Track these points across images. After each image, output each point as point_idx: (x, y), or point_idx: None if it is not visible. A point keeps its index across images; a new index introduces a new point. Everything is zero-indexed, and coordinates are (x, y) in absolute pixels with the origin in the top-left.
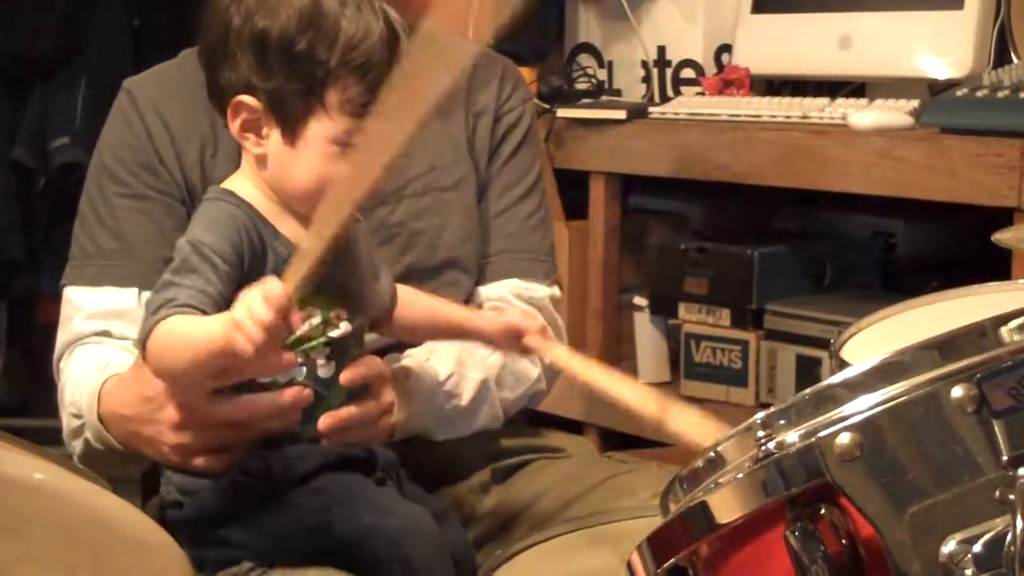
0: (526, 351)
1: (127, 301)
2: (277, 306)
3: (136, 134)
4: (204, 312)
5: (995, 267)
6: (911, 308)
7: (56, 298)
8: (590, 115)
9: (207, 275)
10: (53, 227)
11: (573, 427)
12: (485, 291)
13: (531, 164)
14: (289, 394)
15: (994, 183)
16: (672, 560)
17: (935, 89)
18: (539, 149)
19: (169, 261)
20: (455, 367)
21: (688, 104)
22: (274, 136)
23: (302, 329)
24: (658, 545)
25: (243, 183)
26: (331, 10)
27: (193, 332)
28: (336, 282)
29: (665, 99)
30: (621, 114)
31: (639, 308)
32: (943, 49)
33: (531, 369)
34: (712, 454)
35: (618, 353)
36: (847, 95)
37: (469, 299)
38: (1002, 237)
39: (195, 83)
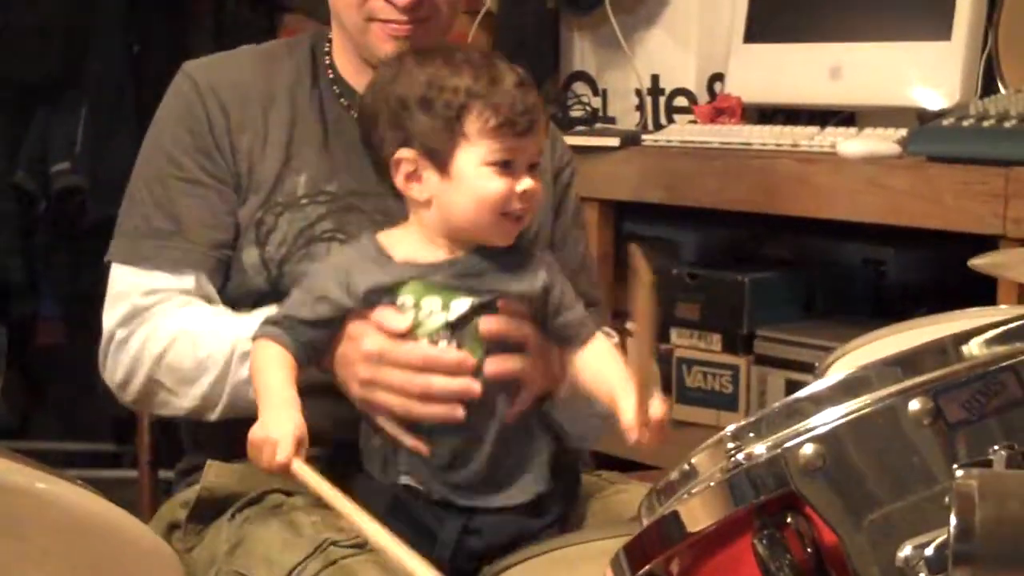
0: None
1: (184, 285)
2: (282, 461)
3: (197, 118)
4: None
5: (981, 293)
6: (896, 332)
7: (54, 321)
8: (584, 142)
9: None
10: (53, 251)
11: None
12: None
13: (584, 219)
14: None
15: (980, 211)
16: (647, 568)
17: (924, 118)
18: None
19: (222, 245)
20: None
21: (681, 132)
22: (431, 177)
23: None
24: (633, 553)
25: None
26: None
27: (259, 382)
28: (458, 281)
29: (658, 127)
30: (615, 141)
31: (631, 333)
32: (932, 79)
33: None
34: (686, 466)
35: None
36: (837, 124)
37: None
38: (978, 263)
39: (251, 77)
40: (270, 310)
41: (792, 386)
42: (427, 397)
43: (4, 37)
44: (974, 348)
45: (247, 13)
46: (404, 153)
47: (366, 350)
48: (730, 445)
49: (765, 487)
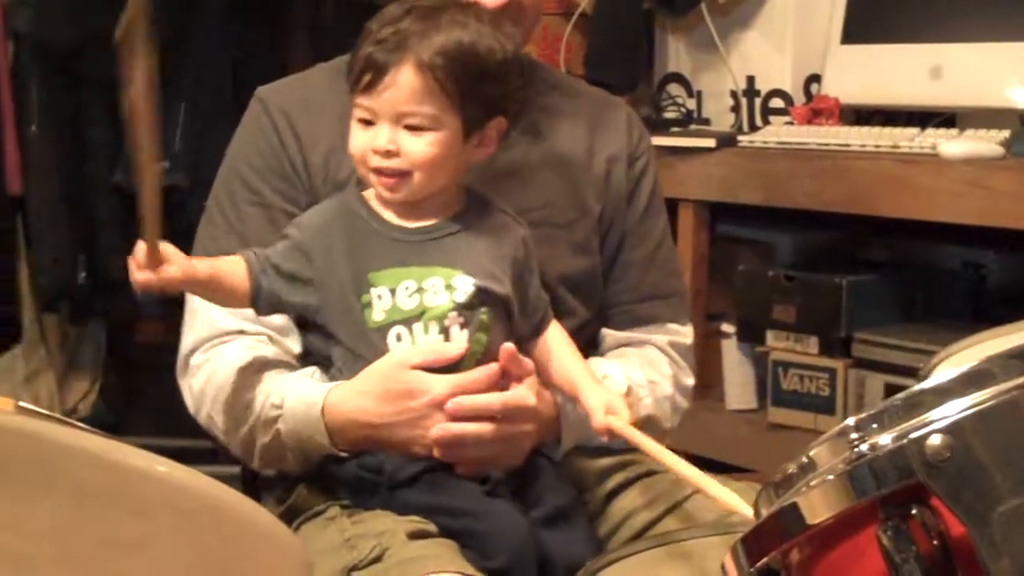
0: (609, 432)
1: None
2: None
3: (268, 140)
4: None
5: None
6: (1001, 335)
7: (153, 320)
8: (679, 143)
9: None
10: None
11: None
12: (630, 334)
13: (663, 208)
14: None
15: None
16: (764, 560)
17: None
18: (662, 191)
19: None
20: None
21: (777, 133)
22: None
23: (432, 301)
24: (751, 546)
25: None
26: None
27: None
28: (452, 255)
29: (753, 128)
30: (710, 142)
31: (727, 335)
32: None
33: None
34: (804, 459)
35: (705, 380)
36: (937, 125)
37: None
38: None
39: (324, 93)
40: (312, 371)
41: (891, 389)
42: (511, 442)
43: (105, 37)
44: None
45: (343, 20)
46: None
47: (436, 399)
48: (853, 436)
49: (888, 479)
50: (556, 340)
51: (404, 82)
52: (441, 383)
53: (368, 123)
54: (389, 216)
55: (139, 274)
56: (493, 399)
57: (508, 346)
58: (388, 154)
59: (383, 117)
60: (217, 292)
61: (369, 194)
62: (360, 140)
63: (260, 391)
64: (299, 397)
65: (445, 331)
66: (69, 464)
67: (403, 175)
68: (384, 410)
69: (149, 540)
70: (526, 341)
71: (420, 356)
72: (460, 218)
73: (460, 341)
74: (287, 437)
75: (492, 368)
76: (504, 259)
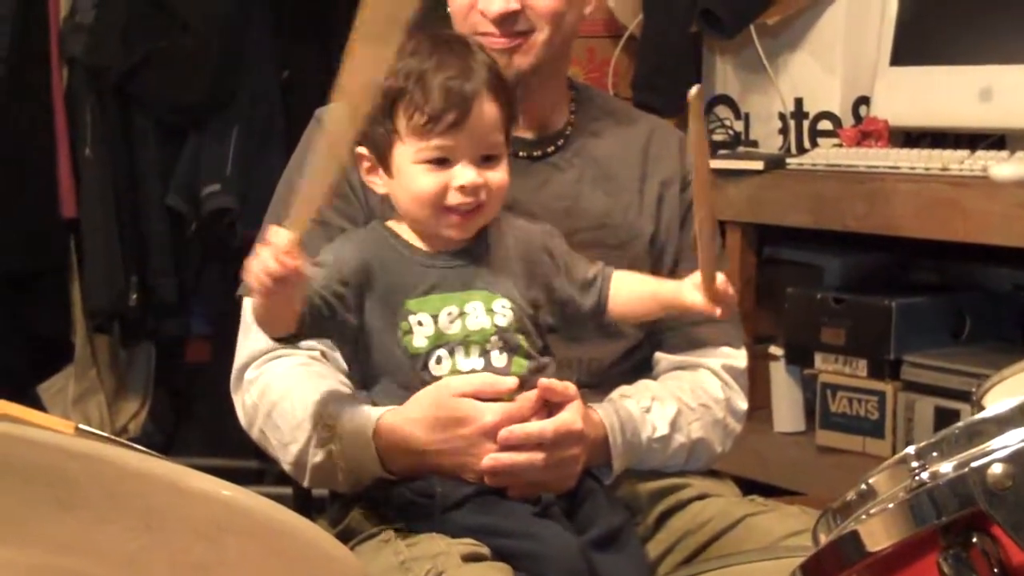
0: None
1: None
2: (274, 251)
3: None
4: None
5: None
6: None
7: (202, 340)
8: (727, 166)
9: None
10: (203, 271)
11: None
12: (684, 358)
13: (716, 232)
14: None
15: None
16: None
17: None
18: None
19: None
20: (676, 419)
21: (826, 155)
22: (383, 174)
23: (474, 325)
24: (810, 572)
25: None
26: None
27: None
28: (490, 279)
29: (802, 150)
30: (758, 165)
31: (775, 358)
32: None
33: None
34: (864, 486)
35: (754, 402)
36: (987, 147)
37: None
38: None
39: None
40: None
41: (941, 413)
42: (561, 467)
43: (158, 62)
44: None
45: None
46: (360, 150)
47: (485, 427)
48: (914, 464)
49: (949, 507)
50: (619, 282)
51: (488, 114)
52: (491, 412)
53: (442, 162)
54: (420, 244)
55: (271, 261)
56: (544, 426)
57: (544, 382)
58: (476, 190)
59: (465, 154)
60: (273, 310)
61: (396, 225)
62: (432, 180)
63: (313, 411)
64: (352, 420)
65: (486, 355)
66: (136, 487)
67: (479, 209)
68: (434, 437)
69: (217, 563)
70: (597, 316)
71: (471, 386)
72: (486, 237)
73: (500, 363)
74: (339, 459)
75: (563, 425)
76: (535, 277)
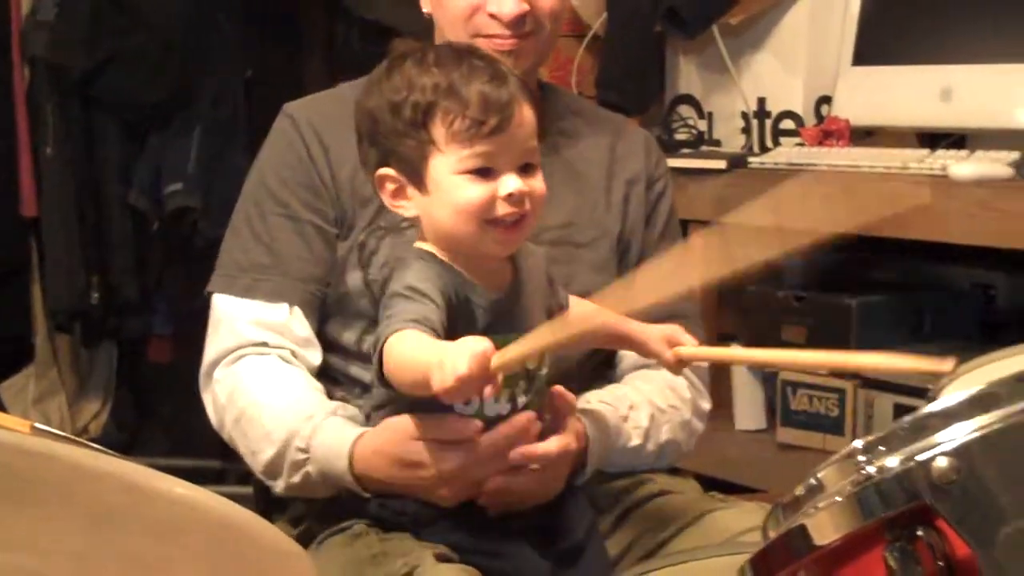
0: (681, 362)
1: (279, 315)
2: (478, 363)
3: (298, 155)
4: (431, 332)
5: None
6: (1011, 355)
7: (164, 339)
8: (690, 165)
9: (428, 306)
10: (165, 270)
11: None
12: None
13: (678, 230)
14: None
15: None
16: None
17: None
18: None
19: (318, 280)
20: (649, 427)
21: (788, 155)
22: (415, 193)
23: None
24: (759, 567)
25: (432, 247)
26: (411, 67)
27: (416, 352)
28: (523, 318)
29: (764, 150)
30: (721, 164)
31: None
32: None
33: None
34: (812, 481)
35: (715, 400)
36: (947, 147)
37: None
38: None
39: (350, 110)
40: (337, 406)
41: (900, 410)
42: (549, 483)
43: (121, 60)
44: None
45: (359, 39)
46: (385, 171)
47: (442, 474)
48: (860, 458)
49: (895, 501)
50: (577, 307)
51: (527, 118)
52: (449, 460)
53: (486, 172)
54: (477, 281)
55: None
56: (549, 448)
57: (558, 389)
58: (522, 199)
59: (508, 161)
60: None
61: (438, 252)
62: (478, 191)
63: (281, 422)
64: (326, 445)
65: (513, 400)
66: (88, 486)
67: (524, 220)
68: (395, 473)
69: (168, 561)
70: None
71: (431, 431)
72: (519, 273)
73: (523, 401)
74: (318, 477)
75: (524, 418)
76: (545, 307)
